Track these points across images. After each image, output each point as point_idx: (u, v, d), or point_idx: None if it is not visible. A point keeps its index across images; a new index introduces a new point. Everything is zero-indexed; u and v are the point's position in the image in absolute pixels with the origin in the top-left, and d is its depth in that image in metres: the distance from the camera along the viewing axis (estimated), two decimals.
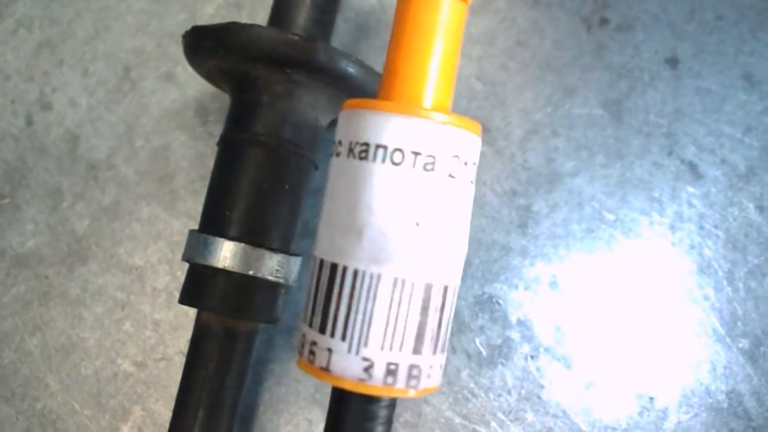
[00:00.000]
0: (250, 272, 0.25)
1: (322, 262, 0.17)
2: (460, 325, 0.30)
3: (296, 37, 0.25)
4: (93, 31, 0.36)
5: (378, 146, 0.16)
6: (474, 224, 0.31)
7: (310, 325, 0.17)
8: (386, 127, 0.16)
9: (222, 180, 0.27)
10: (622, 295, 0.30)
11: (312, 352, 0.17)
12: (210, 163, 0.34)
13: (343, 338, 0.16)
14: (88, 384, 0.31)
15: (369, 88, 0.27)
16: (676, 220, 0.31)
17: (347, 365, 0.16)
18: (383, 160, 0.16)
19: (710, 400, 0.29)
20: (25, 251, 0.33)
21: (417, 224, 0.16)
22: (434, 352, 0.16)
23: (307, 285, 0.19)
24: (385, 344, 0.16)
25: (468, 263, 0.31)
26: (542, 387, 0.30)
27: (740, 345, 0.30)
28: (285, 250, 0.26)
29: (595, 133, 0.32)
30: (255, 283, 0.25)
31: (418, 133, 0.16)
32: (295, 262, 0.27)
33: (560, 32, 0.33)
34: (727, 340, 0.30)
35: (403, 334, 0.16)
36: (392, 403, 0.18)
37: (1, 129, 0.35)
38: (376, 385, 0.16)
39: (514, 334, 0.30)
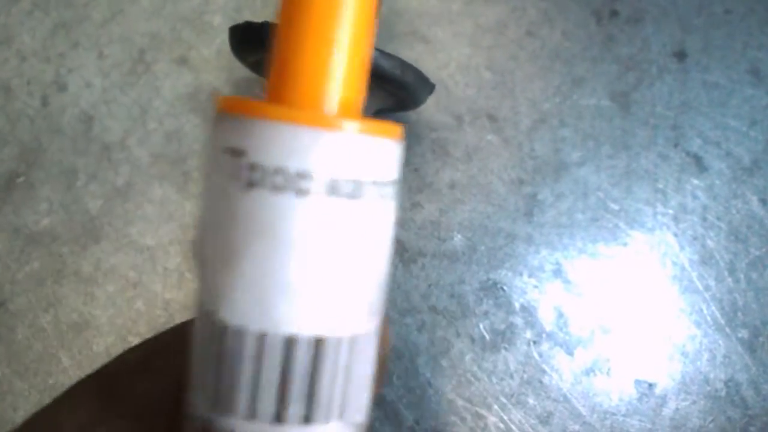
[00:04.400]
0: None
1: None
2: (464, 310, 0.31)
3: None
4: (108, 14, 0.36)
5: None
6: (480, 211, 0.32)
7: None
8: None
9: None
10: (625, 284, 0.31)
11: None
12: None
13: None
14: (100, 360, 0.32)
15: (410, 85, 0.28)
16: (680, 211, 0.31)
17: None
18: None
19: (708, 388, 0.30)
20: (39, 229, 0.34)
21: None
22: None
23: None
24: None
25: (474, 250, 0.31)
26: (544, 372, 0.30)
27: (740, 335, 0.30)
28: None
29: (602, 123, 0.32)
30: None
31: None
32: None
33: (570, 23, 0.34)
34: (727, 330, 0.30)
35: None
36: None
37: (17, 109, 0.36)
38: None
39: (518, 320, 0.31)
